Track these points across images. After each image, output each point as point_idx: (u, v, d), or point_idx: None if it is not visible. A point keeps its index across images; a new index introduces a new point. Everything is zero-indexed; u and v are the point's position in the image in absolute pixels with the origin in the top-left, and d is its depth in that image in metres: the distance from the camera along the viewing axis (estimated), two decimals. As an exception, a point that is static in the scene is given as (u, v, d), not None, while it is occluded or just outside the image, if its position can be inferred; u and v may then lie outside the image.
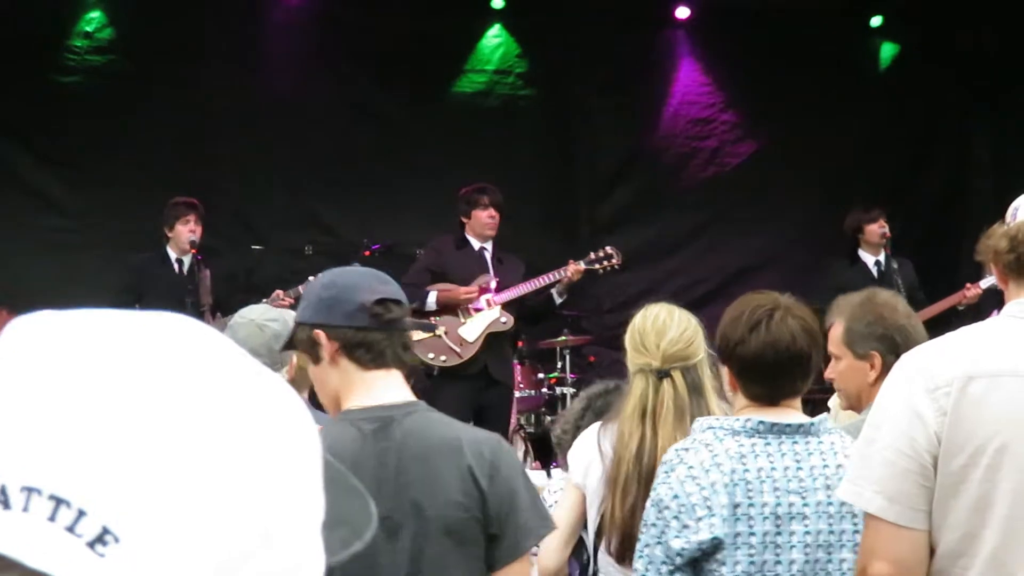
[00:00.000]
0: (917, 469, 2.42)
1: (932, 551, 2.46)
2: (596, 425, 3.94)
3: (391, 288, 2.94)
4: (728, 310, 3.28)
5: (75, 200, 10.41)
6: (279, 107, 10.79)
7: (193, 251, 8.33)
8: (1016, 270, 2.55)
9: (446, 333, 8.12)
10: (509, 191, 10.99)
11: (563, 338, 9.93)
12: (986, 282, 8.71)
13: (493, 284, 8.27)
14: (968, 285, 8.82)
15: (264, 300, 8.29)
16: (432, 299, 8.13)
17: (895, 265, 8.79)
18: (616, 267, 8.69)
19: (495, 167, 10.93)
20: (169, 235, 8.51)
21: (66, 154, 10.38)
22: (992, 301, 9.44)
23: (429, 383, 8.43)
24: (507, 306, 8.23)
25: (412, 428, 2.82)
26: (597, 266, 8.49)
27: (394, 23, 10.93)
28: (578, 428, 4.21)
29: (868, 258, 9.07)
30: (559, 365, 9.91)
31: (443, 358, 8.12)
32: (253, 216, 10.70)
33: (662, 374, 3.69)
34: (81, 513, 0.76)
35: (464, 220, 8.41)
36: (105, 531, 0.76)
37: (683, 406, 3.65)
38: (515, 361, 9.63)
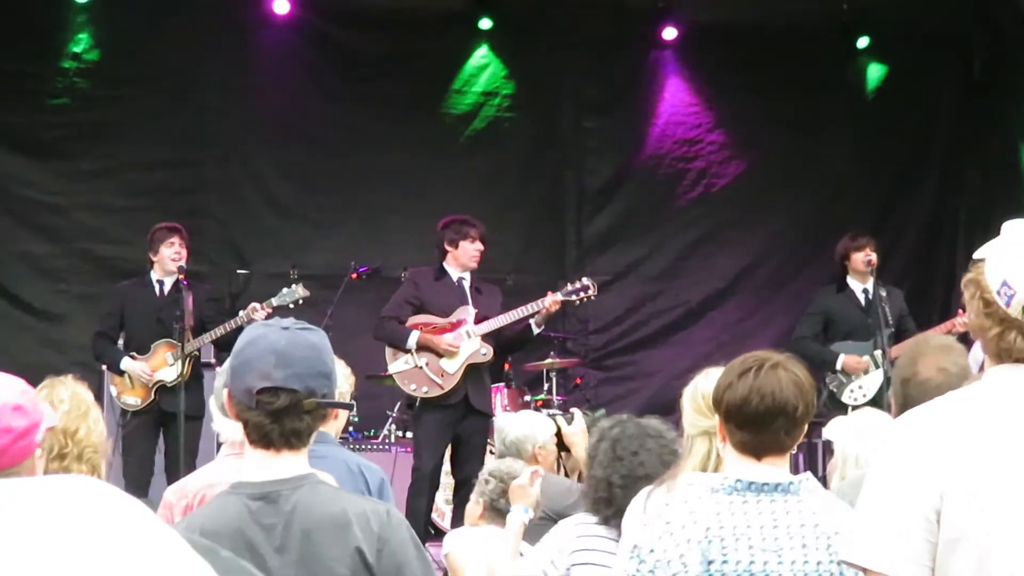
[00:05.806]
0: (923, 524, 2.42)
1: None
2: (644, 491, 3.88)
3: (290, 373, 2.75)
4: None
5: (64, 224, 10.40)
6: (267, 130, 10.82)
7: (182, 276, 8.33)
8: (1005, 356, 2.56)
9: (427, 364, 8.15)
10: (496, 213, 11.00)
11: (550, 360, 9.94)
12: None
13: (472, 315, 8.25)
14: (960, 312, 8.73)
15: (240, 311, 8.28)
16: (413, 341, 8.15)
17: (883, 293, 8.64)
18: (592, 298, 8.65)
19: (481, 189, 10.95)
20: (154, 260, 8.52)
21: (55, 178, 10.40)
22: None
23: (411, 412, 8.43)
24: (486, 336, 8.23)
25: (298, 503, 2.78)
26: (574, 297, 8.45)
27: (381, 44, 10.94)
28: (592, 458, 4.29)
29: (856, 285, 8.98)
30: (545, 387, 9.91)
31: (424, 389, 8.16)
32: (241, 241, 10.71)
33: None
34: None
35: (448, 250, 8.33)
36: None
37: None
38: (502, 384, 9.63)
